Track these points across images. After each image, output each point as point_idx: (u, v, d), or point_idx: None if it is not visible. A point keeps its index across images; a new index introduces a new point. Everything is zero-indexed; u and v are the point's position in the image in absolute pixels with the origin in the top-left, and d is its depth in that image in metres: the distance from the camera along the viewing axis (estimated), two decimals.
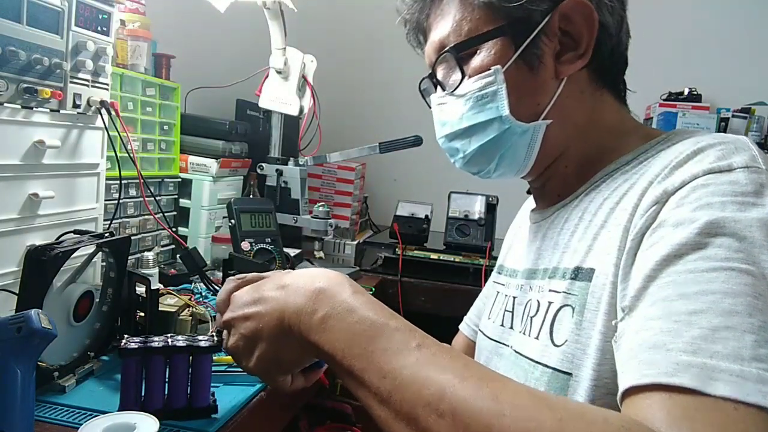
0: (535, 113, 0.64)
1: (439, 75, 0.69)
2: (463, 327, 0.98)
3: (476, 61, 0.64)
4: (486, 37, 0.63)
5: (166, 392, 0.67)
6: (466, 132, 0.67)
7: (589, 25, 0.62)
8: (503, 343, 0.71)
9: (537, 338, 0.61)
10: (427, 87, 0.76)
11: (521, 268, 0.74)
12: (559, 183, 0.70)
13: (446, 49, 0.66)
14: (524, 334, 0.65)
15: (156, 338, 0.68)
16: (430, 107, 0.75)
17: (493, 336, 0.75)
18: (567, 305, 0.57)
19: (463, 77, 0.65)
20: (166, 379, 0.67)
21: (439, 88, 0.71)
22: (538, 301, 0.64)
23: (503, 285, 0.80)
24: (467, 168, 0.72)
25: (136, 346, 0.65)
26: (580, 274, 0.57)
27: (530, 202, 0.89)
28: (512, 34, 0.62)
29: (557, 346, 0.57)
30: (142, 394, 0.67)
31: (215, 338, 0.69)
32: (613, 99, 0.69)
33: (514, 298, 0.72)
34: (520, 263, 0.75)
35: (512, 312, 0.71)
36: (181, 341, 0.67)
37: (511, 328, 0.70)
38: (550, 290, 0.62)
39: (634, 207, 0.54)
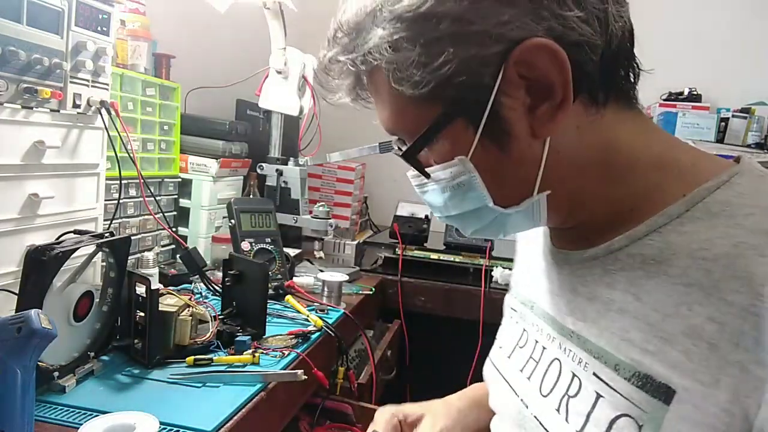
0: (526, 189, 0.52)
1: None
2: None
3: (437, 148, 0.52)
4: (435, 130, 0.51)
5: None
6: (456, 217, 0.57)
7: (558, 68, 0.47)
8: (523, 401, 0.61)
9: None
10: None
11: (543, 308, 0.63)
12: (586, 230, 0.57)
13: (399, 152, 0.56)
14: (558, 412, 0.54)
15: None
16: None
17: (510, 380, 0.65)
18: (629, 416, 0.47)
19: (427, 177, 0.55)
20: None
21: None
22: (577, 377, 0.53)
23: (516, 311, 0.70)
24: (474, 236, 0.63)
25: None
26: (650, 386, 0.46)
27: None
28: (463, 113, 0.50)
29: None
30: None
31: None
32: (620, 108, 0.54)
33: (544, 348, 0.61)
34: (540, 300, 0.64)
35: (538, 363, 0.61)
36: None
37: (540, 391, 0.59)
38: (595, 375, 0.51)
39: (753, 341, 0.42)
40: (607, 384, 0.49)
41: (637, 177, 0.53)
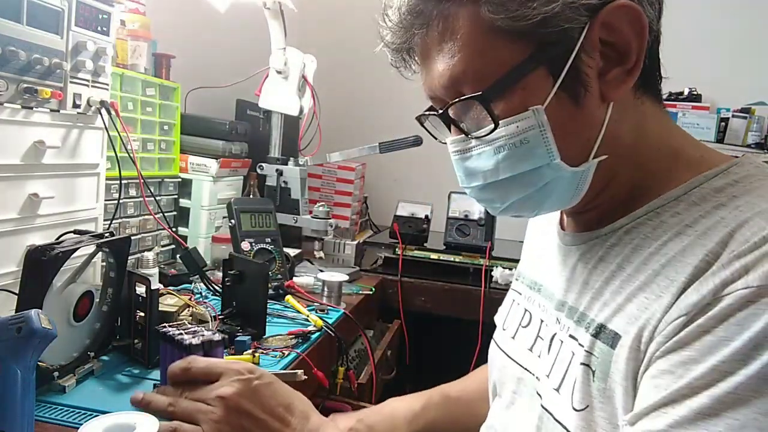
0: (586, 151, 0.53)
1: (453, 114, 0.56)
2: None
3: (508, 99, 0.51)
4: (516, 74, 0.50)
5: None
6: (503, 183, 0.56)
7: (638, 32, 0.50)
8: (538, 378, 0.63)
9: (558, 391, 0.56)
10: (430, 120, 0.62)
11: (550, 289, 0.66)
12: (600, 212, 0.60)
13: (470, 95, 0.52)
14: (548, 377, 0.59)
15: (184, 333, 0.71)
16: (435, 138, 0.63)
17: (519, 359, 0.68)
18: (585, 365, 0.52)
19: (496, 126, 0.53)
20: None
21: (453, 128, 0.58)
22: (562, 342, 0.58)
23: (520, 294, 0.74)
24: (505, 214, 0.60)
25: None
26: (603, 334, 0.51)
27: None
28: (547, 60, 0.50)
29: (576, 410, 0.52)
30: None
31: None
32: (653, 101, 0.57)
33: (546, 325, 0.65)
34: (547, 282, 0.68)
35: (543, 340, 0.64)
36: (207, 335, 0.71)
37: (545, 365, 0.63)
38: (570, 336, 0.56)
39: (681, 286, 0.46)
40: (577, 341, 0.55)
41: (654, 164, 0.57)
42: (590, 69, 0.51)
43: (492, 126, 0.53)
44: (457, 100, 0.54)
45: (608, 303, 0.53)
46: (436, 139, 0.63)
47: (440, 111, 0.56)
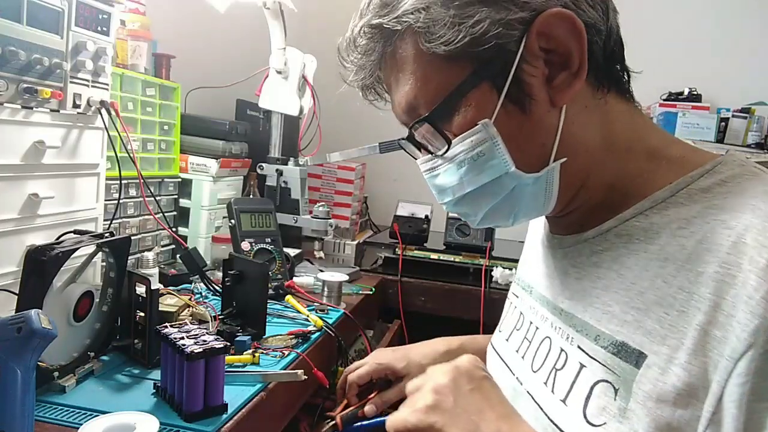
0: (544, 156, 0.55)
1: (419, 137, 0.59)
2: None
3: (459, 117, 0.54)
4: (460, 92, 0.53)
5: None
6: (471, 196, 0.58)
7: (576, 36, 0.51)
8: (518, 379, 0.64)
9: (564, 403, 0.54)
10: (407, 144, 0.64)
11: (540, 291, 0.66)
12: (581, 214, 0.61)
13: (419, 119, 0.56)
14: (546, 384, 0.58)
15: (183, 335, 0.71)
16: (414, 158, 0.65)
17: (507, 360, 0.69)
18: (606, 381, 0.51)
19: (448, 145, 0.56)
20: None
21: (423, 149, 0.61)
22: (564, 351, 0.57)
23: (517, 297, 0.74)
24: (482, 225, 0.62)
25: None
26: (625, 352, 0.50)
27: None
28: (489, 76, 0.52)
29: (593, 425, 0.50)
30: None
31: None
32: (619, 99, 0.58)
33: (537, 328, 0.64)
34: (536, 284, 0.68)
35: (531, 342, 0.64)
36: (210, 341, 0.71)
37: (531, 367, 0.62)
38: (579, 347, 0.55)
39: (711, 303, 0.44)
40: (588, 354, 0.53)
41: (628, 164, 0.57)
42: (534, 78, 0.52)
43: (446, 145, 0.56)
44: (411, 124, 0.58)
45: (619, 316, 0.51)
46: (415, 159, 0.64)
47: (406, 137, 0.60)
